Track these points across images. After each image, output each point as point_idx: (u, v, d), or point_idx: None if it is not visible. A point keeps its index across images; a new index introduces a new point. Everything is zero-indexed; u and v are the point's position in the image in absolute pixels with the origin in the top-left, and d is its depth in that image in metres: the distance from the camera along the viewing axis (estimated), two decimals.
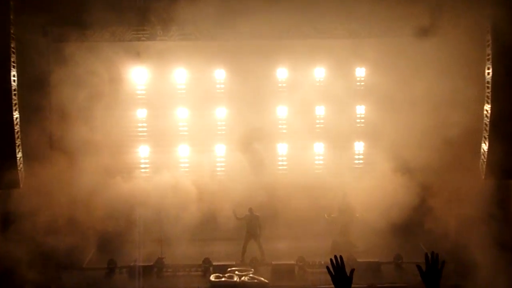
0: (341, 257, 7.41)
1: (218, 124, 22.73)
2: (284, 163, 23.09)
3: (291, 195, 21.36)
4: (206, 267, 20.55)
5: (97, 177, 20.88)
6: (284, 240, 21.38)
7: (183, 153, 22.87)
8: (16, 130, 18.97)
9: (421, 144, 20.79)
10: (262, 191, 21.37)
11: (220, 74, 22.66)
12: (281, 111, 22.74)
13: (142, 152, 22.75)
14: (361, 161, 23.20)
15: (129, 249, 20.92)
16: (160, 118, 22.48)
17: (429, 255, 7.42)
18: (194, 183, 21.85)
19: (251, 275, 19.56)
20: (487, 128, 19.78)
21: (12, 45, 18.62)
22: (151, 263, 20.59)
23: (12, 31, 18.57)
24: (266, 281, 19.30)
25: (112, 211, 20.76)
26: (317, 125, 22.87)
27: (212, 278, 19.44)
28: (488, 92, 19.70)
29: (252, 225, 20.95)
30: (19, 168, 19.23)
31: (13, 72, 18.82)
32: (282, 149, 23.09)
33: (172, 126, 22.65)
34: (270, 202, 21.56)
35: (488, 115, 19.77)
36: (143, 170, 22.68)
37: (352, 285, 7.37)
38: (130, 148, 22.54)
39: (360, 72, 22.69)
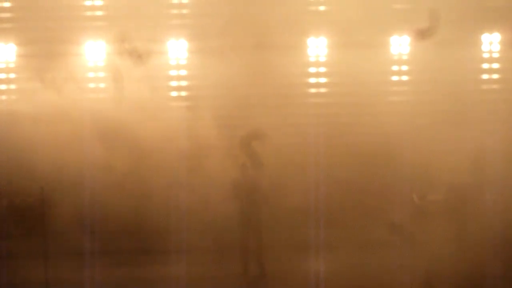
0: None
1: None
2: (322, 79, 16.43)
3: (335, 153, 15.94)
4: None
5: None
6: (326, 252, 15.78)
7: (94, 54, 16.32)
8: None
9: None
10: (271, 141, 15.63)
11: None
12: None
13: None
14: (494, 75, 16.51)
15: None
16: None
17: None
18: (123, 118, 15.68)
19: None
20: None
21: None
22: None
23: None
24: None
25: None
26: None
27: None
28: None
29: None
30: None
31: None
32: (316, 48, 16.65)
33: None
34: (291, 166, 15.98)
35: None
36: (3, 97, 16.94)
37: None
38: None
39: None
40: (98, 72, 16.60)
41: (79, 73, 16.56)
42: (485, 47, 17.04)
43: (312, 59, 16.72)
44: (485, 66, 16.94)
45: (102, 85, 16.60)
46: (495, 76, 16.98)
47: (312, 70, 16.69)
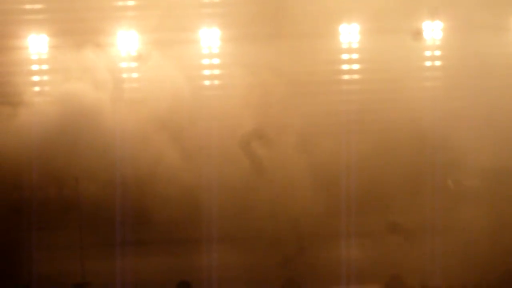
0: None
1: None
2: (355, 66, 15.97)
3: (368, 138, 15.64)
4: None
5: None
6: (360, 239, 15.62)
7: (126, 44, 15.70)
8: None
9: None
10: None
11: None
12: None
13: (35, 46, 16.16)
14: None
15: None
16: None
17: None
18: (156, 107, 15.62)
19: None
20: None
21: None
22: None
23: None
24: None
25: None
26: None
27: None
28: None
29: None
30: None
31: None
32: (349, 35, 16.26)
33: None
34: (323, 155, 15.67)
35: None
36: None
37: None
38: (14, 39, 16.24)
39: None
40: (131, 62, 16.01)
41: (114, 63, 16.00)
42: None
43: (344, 45, 16.10)
44: None
45: (135, 75, 16.15)
46: None
47: (344, 56, 16.17)
